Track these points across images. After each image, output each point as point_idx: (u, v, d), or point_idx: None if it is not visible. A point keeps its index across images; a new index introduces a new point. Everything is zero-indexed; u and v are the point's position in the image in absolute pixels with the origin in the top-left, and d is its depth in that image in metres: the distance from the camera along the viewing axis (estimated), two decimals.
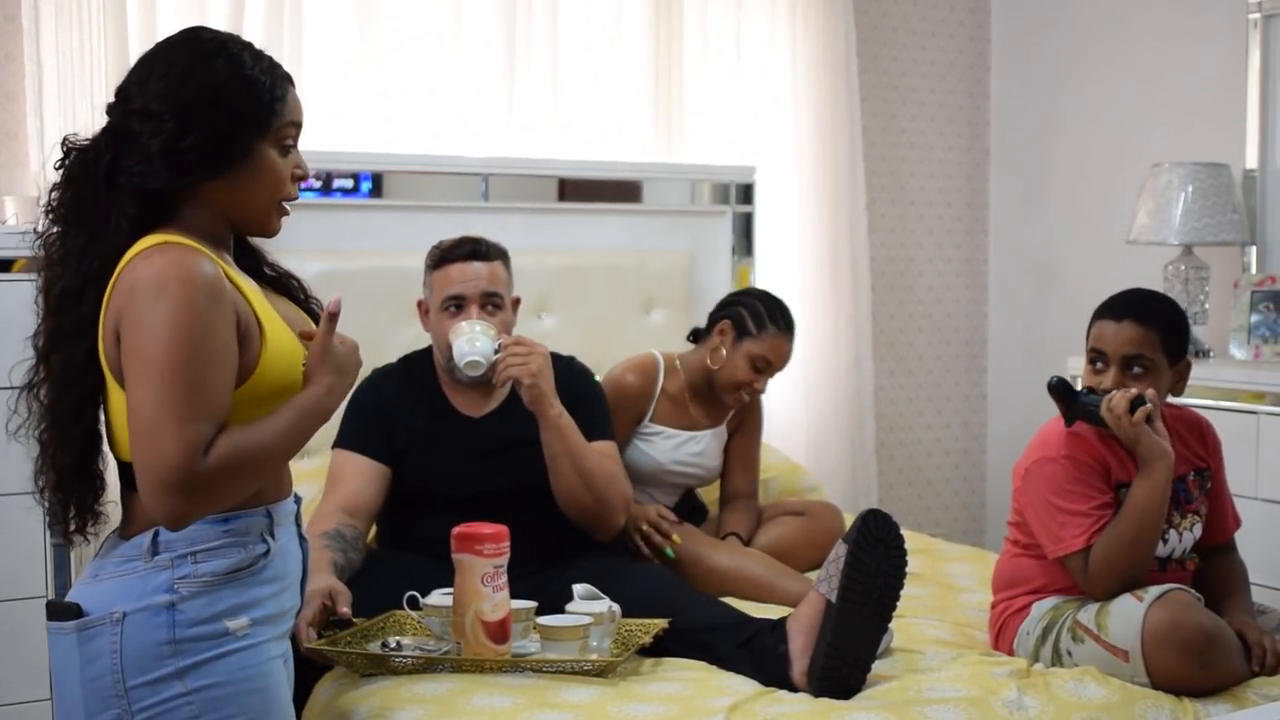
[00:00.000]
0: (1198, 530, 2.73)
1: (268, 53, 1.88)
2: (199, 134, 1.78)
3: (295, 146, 1.90)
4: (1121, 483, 2.65)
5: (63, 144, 1.85)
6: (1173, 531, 2.67)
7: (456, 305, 2.92)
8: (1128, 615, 2.48)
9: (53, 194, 1.84)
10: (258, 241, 1.99)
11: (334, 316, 1.85)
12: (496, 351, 2.83)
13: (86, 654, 1.76)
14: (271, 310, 1.86)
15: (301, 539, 1.96)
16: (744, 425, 3.46)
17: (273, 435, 1.77)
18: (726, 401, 3.34)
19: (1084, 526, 2.58)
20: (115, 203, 1.79)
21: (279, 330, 1.84)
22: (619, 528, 2.96)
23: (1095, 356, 2.69)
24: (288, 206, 1.92)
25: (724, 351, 3.30)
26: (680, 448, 3.36)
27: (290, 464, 1.94)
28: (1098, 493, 2.61)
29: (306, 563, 1.98)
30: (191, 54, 1.81)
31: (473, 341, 2.83)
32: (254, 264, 1.98)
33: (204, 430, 1.70)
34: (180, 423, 1.68)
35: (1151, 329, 2.65)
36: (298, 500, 1.96)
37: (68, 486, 1.85)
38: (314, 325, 1.95)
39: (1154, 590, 2.50)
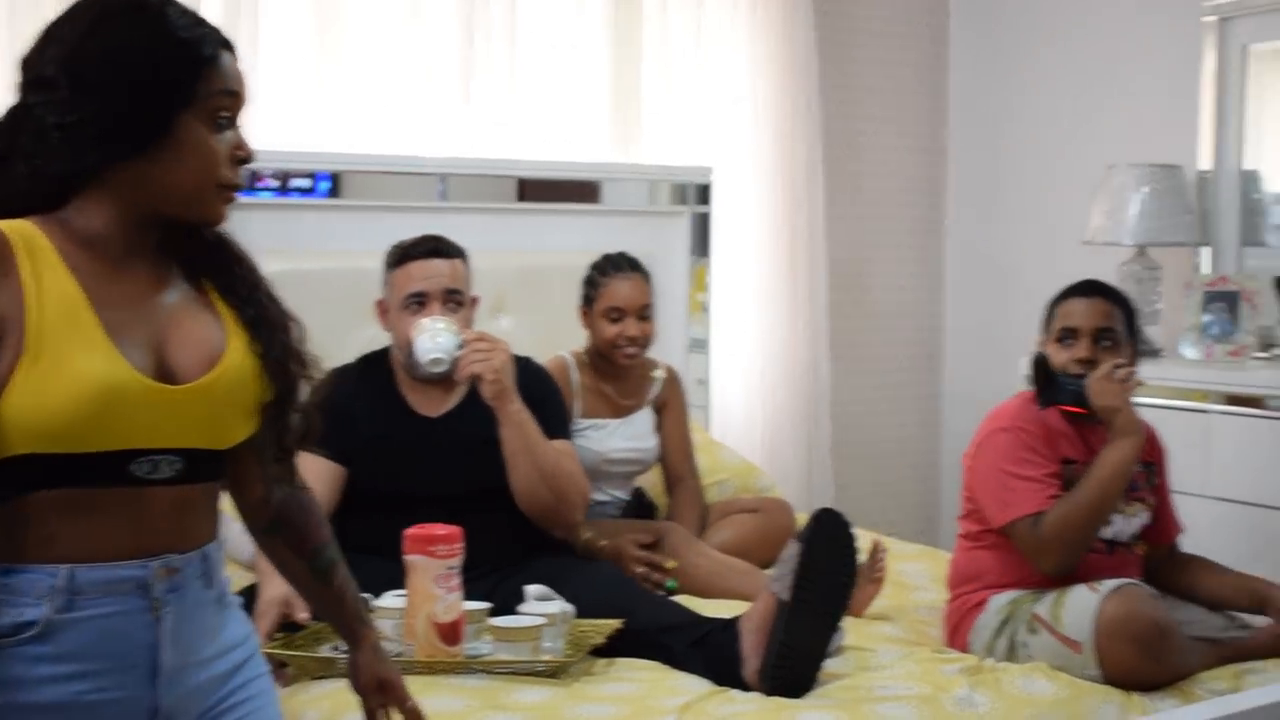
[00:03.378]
0: (1143, 517, 2.79)
1: (199, 15, 1.56)
2: (101, 106, 1.46)
3: (234, 122, 1.56)
4: (1068, 459, 2.70)
5: None
6: (1118, 516, 2.72)
7: (418, 302, 2.92)
8: (1082, 607, 2.52)
9: None
10: (223, 235, 1.63)
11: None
12: (459, 348, 2.83)
13: None
14: (75, 316, 1.45)
15: (159, 619, 1.50)
16: (668, 404, 3.55)
17: None
18: (618, 361, 3.42)
19: (1035, 490, 2.65)
20: (4, 183, 1.49)
21: (60, 343, 1.43)
22: (577, 525, 2.98)
23: (1065, 334, 2.78)
24: (232, 194, 1.58)
25: (587, 323, 3.46)
26: (614, 435, 3.42)
27: (202, 510, 1.56)
28: (1047, 461, 2.68)
29: (161, 649, 1.50)
30: (98, 11, 1.50)
31: (435, 338, 2.83)
32: (205, 264, 1.61)
33: None
34: None
35: (1117, 306, 2.80)
36: (151, 567, 1.49)
37: None
38: (236, 332, 1.58)
39: (1110, 583, 2.54)
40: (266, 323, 1.60)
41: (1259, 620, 2.72)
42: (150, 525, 1.50)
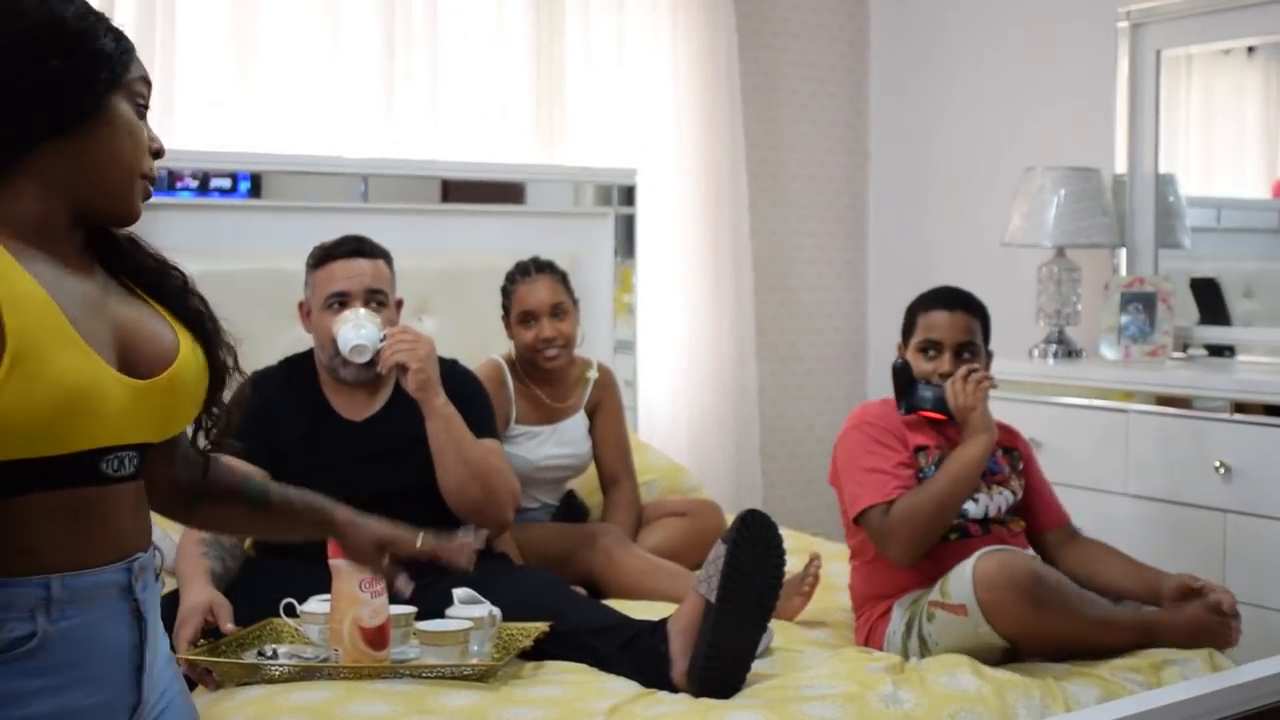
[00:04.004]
0: (1007, 495, 2.86)
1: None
2: (40, 73, 1.45)
3: (147, 111, 1.58)
4: (919, 446, 2.79)
5: None
6: (982, 494, 2.80)
7: (340, 302, 2.90)
8: (961, 573, 2.58)
9: None
10: (134, 236, 1.62)
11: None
12: (382, 339, 2.81)
13: None
14: (48, 317, 1.41)
15: (139, 618, 1.52)
16: (601, 405, 3.53)
17: None
18: (541, 365, 3.40)
19: (883, 481, 2.73)
20: None
21: (39, 343, 1.39)
22: (508, 524, 2.96)
23: (928, 345, 2.86)
24: (150, 187, 1.58)
25: (509, 333, 3.45)
26: (546, 442, 3.40)
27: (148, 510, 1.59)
28: (894, 452, 2.77)
29: (145, 649, 1.54)
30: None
31: (358, 327, 2.82)
32: (115, 256, 1.60)
33: None
34: None
35: (976, 318, 2.89)
36: (131, 569, 1.52)
37: None
38: (187, 336, 1.59)
39: (985, 549, 2.61)
40: (207, 319, 1.63)
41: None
42: (120, 525, 1.51)
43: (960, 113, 4.76)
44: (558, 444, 3.42)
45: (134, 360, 1.51)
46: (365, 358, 2.81)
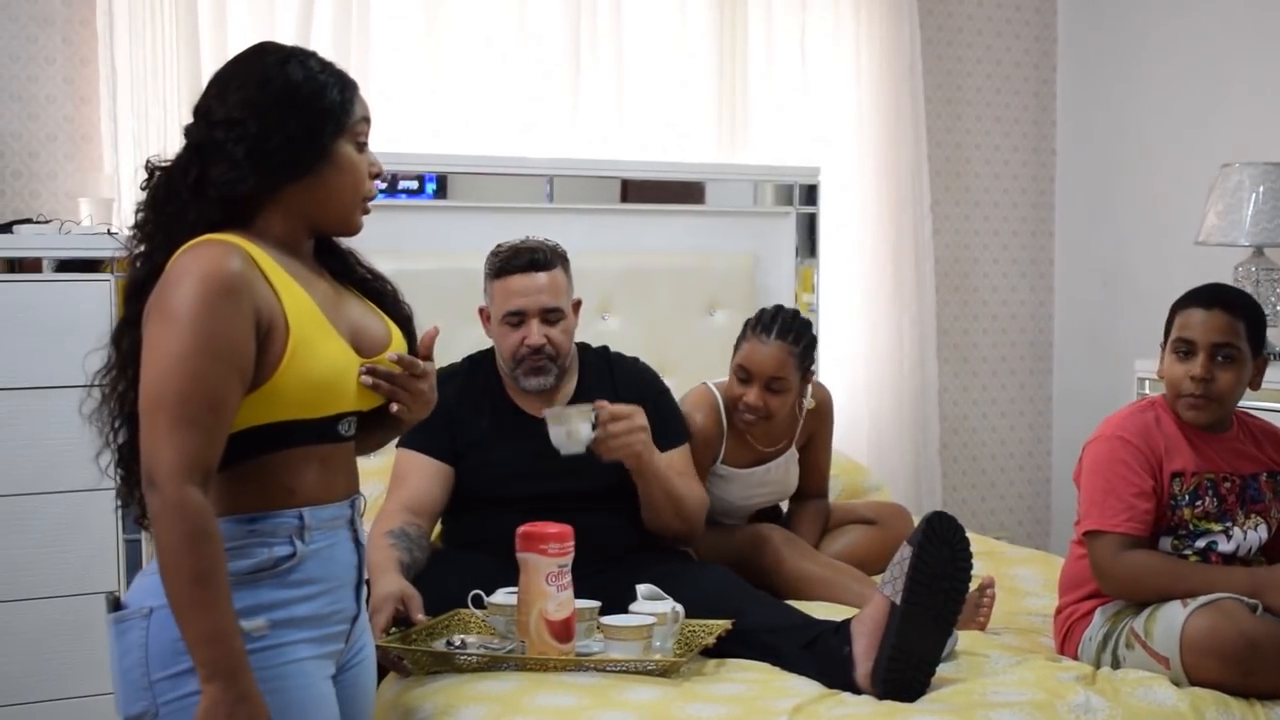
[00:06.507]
0: (1262, 531, 2.69)
1: (332, 61, 1.93)
2: (282, 135, 1.83)
3: (367, 144, 1.93)
4: (1175, 472, 2.63)
5: (146, 166, 1.90)
6: (1236, 529, 2.65)
7: (518, 320, 2.93)
8: (1170, 622, 2.47)
9: (138, 214, 1.88)
10: (348, 245, 2.01)
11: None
12: (594, 428, 2.76)
13: (122, 646, 1.80)
14: (314, 313, 1.84)
15: (358, 544, 1.93)
16: (813, 440, 3.35)
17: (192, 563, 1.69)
18: (737, 423, 3.17)
19: (1119, 509, 2.58)
20: (199, 208, 1.82)
21: (310, 333, 1.82)
22: (700, 535, 3.04)
23: (1181, 345, 2.68)
24: (368, 204, 1.94)
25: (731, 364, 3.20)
26: (753, 483, 3.26)
27: (357, 463, 1.96)
28: (1139, 479, 2.60)
29: (363, 568, 1.94)
30: (264, 64, 1.87)
31: (569, 434, 2.75)
32: (343, 268, 1.99)
33: (192, 440, 1.69)
34: (171, 427, 1.69)
35: (1238, 318, 2.67)
36: (353, 505, 1.93)
37: (127, 464, 1.86)
38: (398, 330, 1.98)
39: (1200, 599, 2.48)
40: (409, 319, 2.05)
41: None
42: (346, 471, 1.93)
43: (1152, 107, 4.62)
44: (763, 483, 3.26)
45: (360, 345, 1.91)
46: (580, 450, 2.78)
